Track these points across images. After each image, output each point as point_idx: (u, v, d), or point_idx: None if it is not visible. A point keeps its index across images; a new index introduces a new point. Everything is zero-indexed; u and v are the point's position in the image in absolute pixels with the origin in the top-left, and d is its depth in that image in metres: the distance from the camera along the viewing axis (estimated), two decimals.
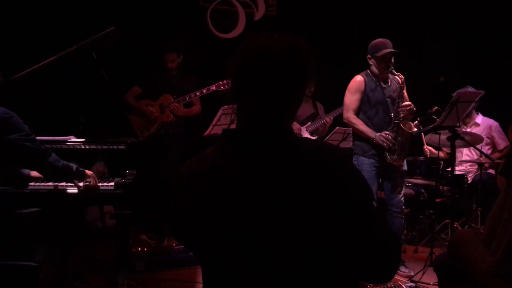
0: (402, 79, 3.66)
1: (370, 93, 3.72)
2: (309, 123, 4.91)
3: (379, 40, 3.69)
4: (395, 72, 3.65)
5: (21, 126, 2.56)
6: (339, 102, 4.62)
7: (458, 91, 4.07)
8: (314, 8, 5.69)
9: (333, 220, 1.11)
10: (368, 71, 3.80)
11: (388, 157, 3.63)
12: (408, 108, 3.64)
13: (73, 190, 2.85)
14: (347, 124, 3.86)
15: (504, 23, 5.49)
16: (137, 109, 4.63)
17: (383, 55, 3.62)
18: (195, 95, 4.52)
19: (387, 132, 3.62)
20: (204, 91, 4.47)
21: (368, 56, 3.74)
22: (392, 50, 3.61)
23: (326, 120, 4.95)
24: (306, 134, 4.90)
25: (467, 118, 4.76)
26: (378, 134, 3.63)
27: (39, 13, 4.58)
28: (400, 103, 3.66)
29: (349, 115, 3.76)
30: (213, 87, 4.39)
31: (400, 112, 3.65)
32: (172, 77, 4.64)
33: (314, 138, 4.73)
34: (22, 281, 2.32)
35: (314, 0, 5.70)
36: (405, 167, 3.83)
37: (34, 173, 2.77)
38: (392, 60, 3.65)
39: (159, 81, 4.64)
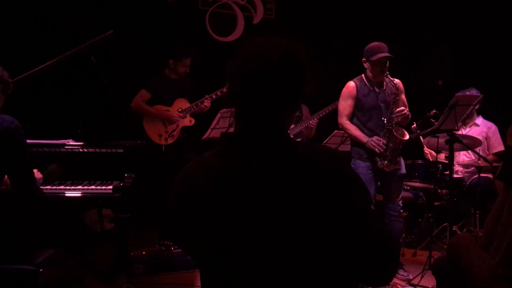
0: (397, 85, 3.63)
1: (363, 98, 3.69)
2: (292, 125, 4.83)
3: (375, 43, 3.63)
4: (391, 78, 3.62)
5: (25, 142, 2.49)
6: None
7: (458, 94, 4.07)
8: (312, 12, 5.70)
9: (332, 222, 1.11)
10: (362, 75, 3.76)
11: (379, 162, 3.62)
12: (402, 114, 3.58)
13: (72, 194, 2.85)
14: (342, 129, 3.87)
15: (502, 25, 5.51)
16: (155, 115, 4.39)
17: (379, 59, 3.58)
18: (211, 98, 4.47)
19: (379, 137, 3.61)
20: (219, 93, 4.46)
21: (363, 59, 3.69)
22: (388, 54, 3.56)
23: (310, 123, 4.76)
24: None
25: (467, 119, 4.78)
26: (370, 139, 3.61)
27: (39, 15, 4.58)
28: (394, 109, 3.62)
29: (343, 120, 3.75)
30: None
31: (394, 118, 3.61)
32: (182, 81, 4.50)
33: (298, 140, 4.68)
34: (21, 285, 2.32)
35: (313, 4, 5.71)
36: (403, 171, 3.79)
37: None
38: (387, 65, 3.61)
39: (168, 85, 4.44)
